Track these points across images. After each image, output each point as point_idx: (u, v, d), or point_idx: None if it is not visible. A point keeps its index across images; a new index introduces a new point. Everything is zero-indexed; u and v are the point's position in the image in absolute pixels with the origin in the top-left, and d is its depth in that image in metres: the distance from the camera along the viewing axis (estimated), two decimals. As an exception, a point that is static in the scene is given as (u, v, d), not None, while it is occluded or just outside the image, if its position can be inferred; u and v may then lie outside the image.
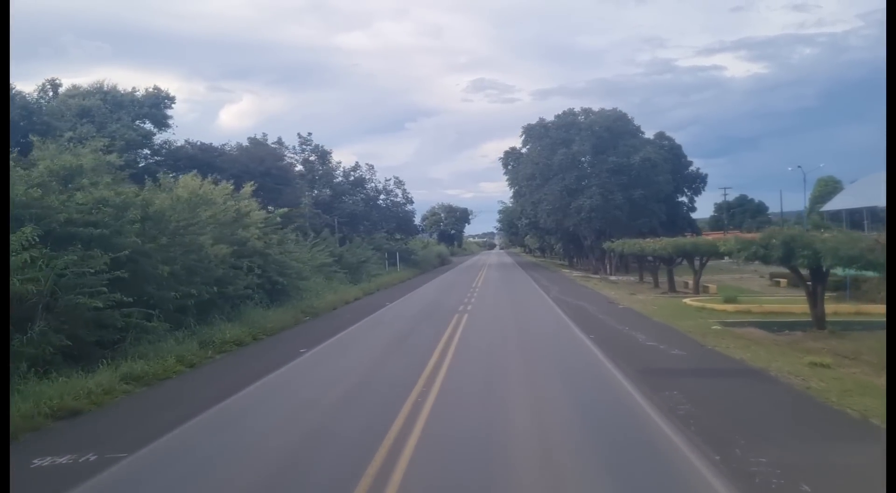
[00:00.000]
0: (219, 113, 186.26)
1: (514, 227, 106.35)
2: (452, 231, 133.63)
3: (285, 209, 23.82)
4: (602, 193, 44.71)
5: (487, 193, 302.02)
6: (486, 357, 13.01)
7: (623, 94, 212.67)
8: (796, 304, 18.15)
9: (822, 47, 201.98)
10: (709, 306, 20.79)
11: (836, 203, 56.44)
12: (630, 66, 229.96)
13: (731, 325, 16.33)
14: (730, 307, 19.84)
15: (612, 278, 40.64)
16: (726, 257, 30.48)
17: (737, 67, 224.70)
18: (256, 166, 34.01)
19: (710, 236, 39.34)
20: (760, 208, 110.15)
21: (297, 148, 53.81)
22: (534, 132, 49.79)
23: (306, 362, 13.03)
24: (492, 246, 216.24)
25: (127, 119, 31.11)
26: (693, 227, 63.61)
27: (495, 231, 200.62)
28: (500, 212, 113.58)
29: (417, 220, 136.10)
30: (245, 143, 40.34)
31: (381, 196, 59.30)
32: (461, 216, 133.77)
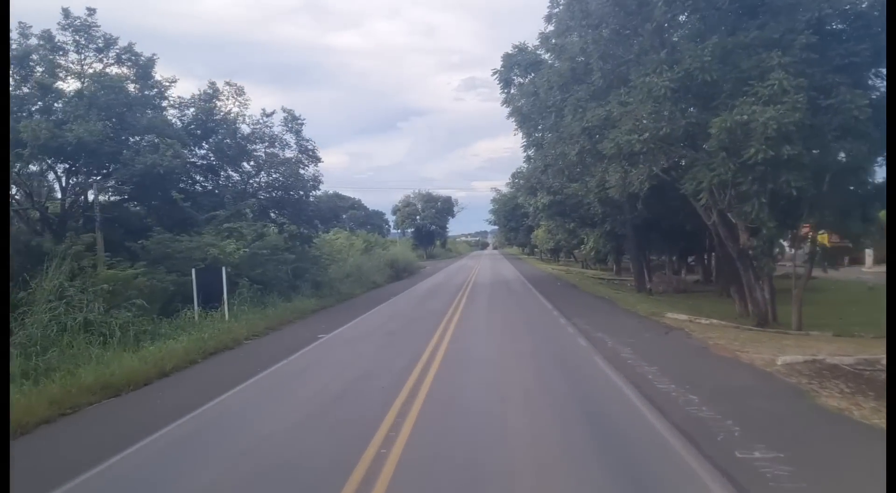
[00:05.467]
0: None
1: (515, 217, 76.34)
2: (433, 227, 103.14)
3: None
4: (800, 90, 14.68)
5: (480, 192, 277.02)
6: None
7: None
8: None
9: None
10: None
11: None
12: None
13: None
14: None
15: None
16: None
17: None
18: None
19: None
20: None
21: (70, 39, 23.96)
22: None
23: None
24: (484, 246, 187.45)
25: None
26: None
27: (488, 230, 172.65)
28: (493, 201, 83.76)
29: (387, 211, 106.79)
30: None
31: (260, 146, 29.11)
32: (443, 208, 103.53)
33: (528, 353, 12.28)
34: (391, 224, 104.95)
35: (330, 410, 8.43)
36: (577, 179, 28.88)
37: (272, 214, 28.64)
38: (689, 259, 44.91)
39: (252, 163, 28.68)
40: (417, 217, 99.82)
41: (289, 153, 29.24)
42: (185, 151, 26.33)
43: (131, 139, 23.67)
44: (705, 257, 39.83)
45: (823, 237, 17.23)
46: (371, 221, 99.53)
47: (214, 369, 12.54)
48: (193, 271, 17.91)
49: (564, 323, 16.59)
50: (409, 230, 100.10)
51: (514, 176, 54.25)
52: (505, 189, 70.76)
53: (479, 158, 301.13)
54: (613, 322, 16.66)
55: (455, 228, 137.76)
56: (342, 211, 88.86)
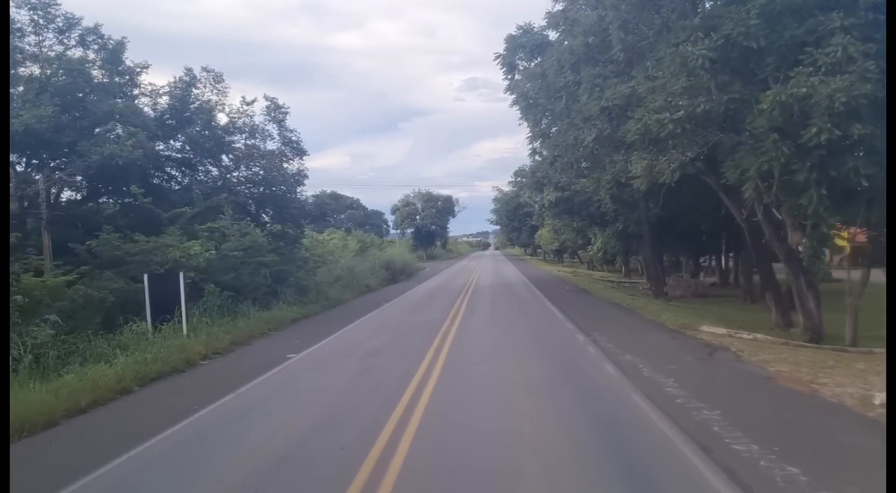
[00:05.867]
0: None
1: (517, 217, 73.68)
2: (433, 227, 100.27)
3: None
4: (868, 57, 12.04)
5: (481, 192, 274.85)
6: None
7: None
8: None
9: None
10: None
11: None
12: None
13: None
14: None
15: None
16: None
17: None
18: None
19: None
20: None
21: (27, 18, 21.45)
22: None
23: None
24: (485, 246, 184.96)
25: None
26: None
27: (490, 230, 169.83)
28: (495, 201, 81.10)
29: (387, 211, 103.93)
30: None
31: (239, 137, 26.42)
32: (444, 207, 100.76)
33: (543, 387, 9.62)
34: (390, 224, 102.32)
35: (262, 489, 5.78)
36: (586, 175, 26.31)
37: (253, 212, 26.03)
38: (701, 260, 42.24)
39: (231, 156, 26.03)
40: (417, 217, 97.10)
41: (271, 145, 26.63)
42: (159, 143, 23.80)
43: (97, 129, 21.11)
44: (722, 257, 37.21)
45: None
46: (370, 221, 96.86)
47: (144, 403, 9.91)
48: (146, 276, 15.29)
49: (583, 341, 13.86)
50: (409, 230, 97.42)
51: (516, 174, 51.77)
52: (507, 188, 68.24)
53: (481, 158, 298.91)
54: (641, 339, 13.95)
55: (456, 228, 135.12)
56: (339, 211, 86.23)
